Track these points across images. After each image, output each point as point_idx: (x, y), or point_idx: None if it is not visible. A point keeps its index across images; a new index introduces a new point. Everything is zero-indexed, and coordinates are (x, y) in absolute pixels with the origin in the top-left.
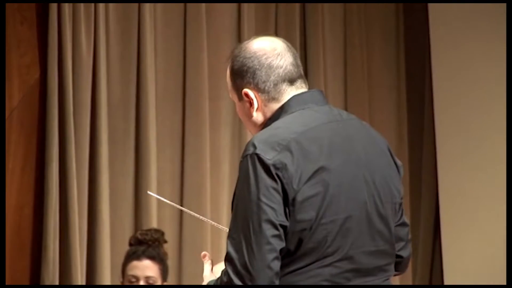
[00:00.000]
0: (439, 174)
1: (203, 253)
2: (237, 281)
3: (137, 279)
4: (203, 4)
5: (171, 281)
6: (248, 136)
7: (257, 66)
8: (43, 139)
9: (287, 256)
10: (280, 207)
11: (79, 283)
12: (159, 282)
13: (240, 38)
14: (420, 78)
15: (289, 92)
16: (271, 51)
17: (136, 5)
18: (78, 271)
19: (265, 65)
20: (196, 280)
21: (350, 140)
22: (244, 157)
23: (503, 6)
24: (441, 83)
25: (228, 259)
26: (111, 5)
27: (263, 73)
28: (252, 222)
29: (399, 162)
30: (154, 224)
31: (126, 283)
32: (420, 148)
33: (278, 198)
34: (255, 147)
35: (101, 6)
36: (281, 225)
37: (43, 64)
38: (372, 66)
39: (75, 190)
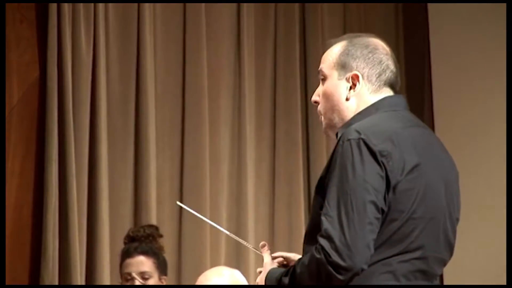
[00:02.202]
0: None
1: (262, 242)
2: (336, 258)
3: (132, 276)
4: (203, 4)
5: (170, 279)
6: (248, 135)
7: (377, 61)
8: (43, 138)
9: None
10: (382, 193)
11: (79, 283)
12: (155, 276)
13: (239, 38)
14: (419, 78)
15: (386, 94)
16: (391, 55)
17: (135, 5)
18: (77, 270)
19: (385, 64)
20: (195, 278)
21: (433, 147)
22: (347, 140)
23: (503, 6)
24: (440, 83)
25: (325, 236)
26: (110, 5)
27: (379, 69)
28: (356, 202)
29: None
30: (153, 223)
31: (124, 282)
32: None
33: (382, 184)
34: (359, 133)
35: (101, 6)
36: (382, 210)
37: (43, 63)
38: None
39: (74, 189)
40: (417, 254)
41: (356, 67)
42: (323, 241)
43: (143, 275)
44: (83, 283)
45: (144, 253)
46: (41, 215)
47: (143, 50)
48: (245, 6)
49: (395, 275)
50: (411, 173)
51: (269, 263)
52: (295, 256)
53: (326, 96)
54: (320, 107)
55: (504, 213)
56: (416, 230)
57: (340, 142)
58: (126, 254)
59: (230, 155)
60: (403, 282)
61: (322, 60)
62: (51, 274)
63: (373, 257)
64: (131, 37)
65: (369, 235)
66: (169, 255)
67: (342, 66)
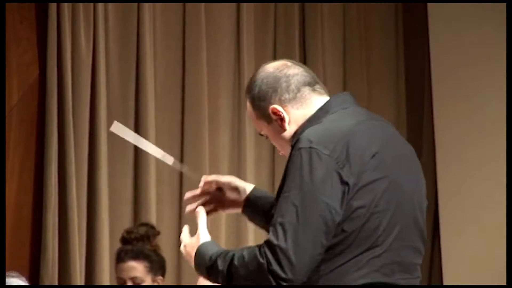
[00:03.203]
0: (438, 173)
1: (204, 180)
2: (277, 268)
3: (124, 281)
4: (202, 4)
5: (170, 279)
6: (248, 135)
7: (275, 81)
8: (42, 138)
9: (339, 245)
10: (335, 202)
11: (78, 283)
12: (147, 280)
13: (239, 38)
14: (419, 78)
15: (313, 96)
16: (282, 65)
17: (135, 5)
18: (77, 271)
19: (282, 77)
20: (195, 278)
21: (391, 137)
22: (298, 149)
23: (503, 6)
24: (440, 83)
25: (270, 245)
26: (110, 5)
27: (283, 85)
28: (305, 214)
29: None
30: (153, 223)
31: (117, 281)
32: (419, 148)
33: (334, 193)
34: (310, 141)
35: (100, 6)
36: (333, 221)
37: (43, 63)
38: (371, 66)
39: (74, 189)
40: (387, 246)
41: (269, 103)
42: (267, 248)
43: (134, 280)
44: (83, 283)
45: (135, 257)
46: (40, 215)
47: (142, 50)
48: (244, 6)
49: (369, 271)
50: (369, 168)
51: (203, 234)
52: (231, 180)
53: (275, 142)
54: (279, 149)
55: (504, 213)
56: (382, 223)
57: (293, 151)
58: (118, 258)
59: (230, 155)
60: (379, 277)
61: (253, 123)
62: (50, 274)
63: (343, 257)
64: (131, 37)
65: (314, 248)
66: (169, 254)
67: (262, 113)
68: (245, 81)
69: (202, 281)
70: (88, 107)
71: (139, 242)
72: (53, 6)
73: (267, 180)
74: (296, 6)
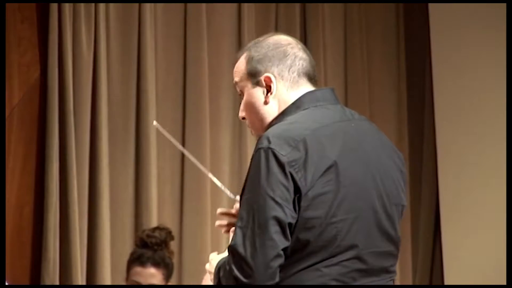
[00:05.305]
0: (439, 173)
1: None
2: (237, 273)
3: (137, 283)
4: (203, 4)
5: (171, 280)
6: (249, 135)
7: (283, 54)
8: (44, 138)
9: (296, 253)
10: (289, 205)
11: (79, 283)
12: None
13: (240, 38)
14: (420, 78)
15: (305, 85)
16: (296, 44)
17: (136, 5)
18: (78, 271)
19: (291, 54)
20: (196, 279)
21: (361, 140)
22: (258, 150)
23: (503, 6)
24: (441, 82)
25: (230, 250)
26: (111, 5)
27: (288, 62)
28: (259, 217)
29: (404, 171)
30: (154, 224)
31: (129, 283)
32: (420, 148)
33: (288, 196)
34: (269, 141)
35: (102, 6)
36: (288, 223)
37: (44, 63)
38: (372, 66)
39: (75, 189)
40: (347, 255)
41: (265, 70)
42: (230, 254)
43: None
44: (84, 283)
45: (156, 265)
46: (41, 215)
47: (143, 50)
48: (245, 6)
49: (326, 280)
50: (324, 177)
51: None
52: None
53: (248, 107)
54: (247, 121)
55: (504, 213)
56: (340, 233)
57: (254, 151)
58: (138, 261)
59: (231, 155)
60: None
61: (234, 74)
62: (51, 274)
63: (299, 265)
64: (132, 37)
65: (270, 251)
66: None
67: (253, 74)
68: None
69: (207, 281)
70: (89, 107)
71: (159, 247)
72: (54, 6)
73: None
74: (297, 6)
